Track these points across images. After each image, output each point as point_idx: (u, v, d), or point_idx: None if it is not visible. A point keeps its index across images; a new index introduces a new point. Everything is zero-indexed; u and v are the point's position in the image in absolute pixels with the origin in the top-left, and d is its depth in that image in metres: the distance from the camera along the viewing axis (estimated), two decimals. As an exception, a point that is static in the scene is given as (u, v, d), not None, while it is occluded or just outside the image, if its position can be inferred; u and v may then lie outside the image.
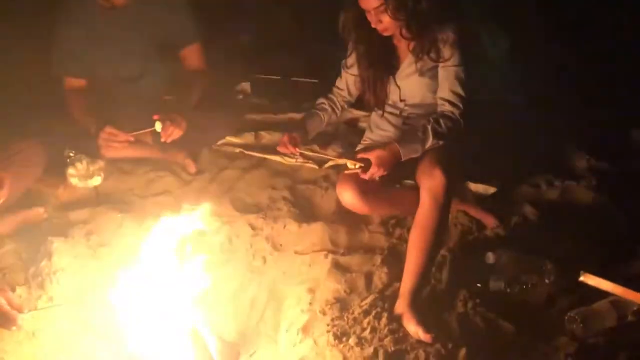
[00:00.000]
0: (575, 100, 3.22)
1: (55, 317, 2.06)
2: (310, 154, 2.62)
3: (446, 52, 2.30)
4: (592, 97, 3.25)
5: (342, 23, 2.39)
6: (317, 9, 3.16)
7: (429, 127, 2.28)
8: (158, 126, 2.52)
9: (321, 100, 2.62)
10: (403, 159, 2.27)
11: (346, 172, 2.32)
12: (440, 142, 2.28)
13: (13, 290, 2.03)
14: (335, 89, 2.62)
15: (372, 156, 2.23)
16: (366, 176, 2.24)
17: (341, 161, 2.76)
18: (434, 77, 2.39)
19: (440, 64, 2.33)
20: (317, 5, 3.22)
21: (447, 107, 2.33)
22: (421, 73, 2.39)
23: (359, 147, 2.65)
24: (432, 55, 2.32)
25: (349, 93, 2.61)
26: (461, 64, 2.31)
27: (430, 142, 2.28)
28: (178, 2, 2.70)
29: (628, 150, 2.96)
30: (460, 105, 2.31)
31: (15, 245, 2.26)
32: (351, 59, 2.51)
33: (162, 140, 2.54)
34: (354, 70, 2.53)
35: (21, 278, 2.12)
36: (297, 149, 2.40)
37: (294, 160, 2.87)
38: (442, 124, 2.29)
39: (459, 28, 2.28)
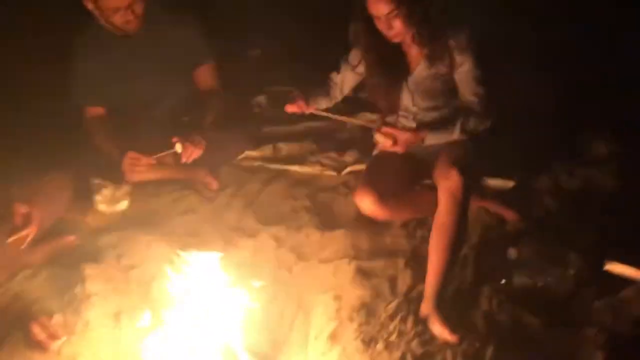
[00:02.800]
0: (590, 84, 3.19)
1: (93, 341, 2.12)
2: (324, 113, 2.56)
3: (459, 58, 2.32)
4: (608, 81, 3.22)
5: (352, 33, 2.42)
6: (325, 17, 3.20)
7: (459, 123, 2.34)
8: (178, 147, 2.58)
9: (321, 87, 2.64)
10: (425, 144, 2.37)
11: (378, 135, 2.41)
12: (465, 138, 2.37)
13: (50, 317, 2.11)
14: (329, 82, 2.63)
15: (399, 137, 2.34)
16: (388, 148, 2.38)
17: (358, 167, 2.82)
18: (447, 82, 2.41)
19: (455, 70, 2.35)
20: (324, 13, 3.26)
21: (475, 106, 2.37)
22: (434, 79, 2.41)
23: (375, 151, 2.67)
24: (446, 61, 2.34)
25: (340, 91, 2.63)
26: (476, 67, 2.33)
27: (455, 137, 2.37)
28: (189, 24, 2.76)
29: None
30: (486, 104, 2.36)
31: (49, 273, 2.33)
32: (356, 59, 2.52)
33: (183, 161, 2.61)
34: (360, 70, 2.54)
35: (57, 305, 2.19)
36: (308, 107, 2.47)
37: (312, 169, 2.91)
38: (471, 123, 2.35)
39: (469, 33, 2.30)
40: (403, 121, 2.55)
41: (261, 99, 3.42)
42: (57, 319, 2.12)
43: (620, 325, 1.97)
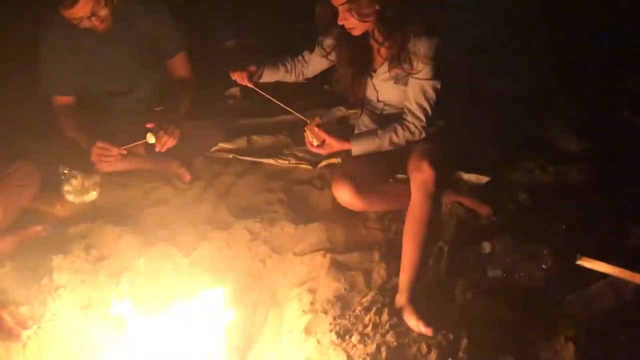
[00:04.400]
0: (564, 82, 3.24)
1: (60, 333, 2.07)
2: (263, 93, 2.56)
3: (418, 65, 2.28)
4: (581, 79, 3.28)
5: (316, 17, 2.36)
6: (300, 10, 3.17)
7: (387, 136, 2.34)
8: (151, 138, 2.52)
9: (288, 57, 2.68)
10: (354, 155, 2.37)
11: (308, 132, 2.39)
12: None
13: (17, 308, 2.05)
14: (300, 57, 2.65)
15: (327, 142, 2.36)
16: (312, 149, 2.43)
17: (334, 160, 2.80)
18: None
19: (412, 75, 2.32)
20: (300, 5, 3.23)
21: (409, 118, 2.35)
22: (396, 80, 2.39)
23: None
24: (406, 66, 2.30)
25: (308, 71, 2.66)
26: (431, 78, 2.29)
27: (385, 149, 2.37)
28: (161, 14, 2.70)
29: (618, 131, 2.97)
30: (423, 118, 2.34)
31: (15, 265, 2.27)
32: (328, 45, 2.51)
33: (157, 150, 2.54)
34: (331, 57, 2.54)
35: (23, 297, 2.13)
36: (249, 81, 2.54)
37: (287, 162, 2.89)
38: (400, 135, 2.35)
39: (432, 42, 2.25)
40: (371, 115, 2.55)
41: (235, 90, 3.37)
42: (24, 311, 2.06)
43: (590, 319, 2.00)
